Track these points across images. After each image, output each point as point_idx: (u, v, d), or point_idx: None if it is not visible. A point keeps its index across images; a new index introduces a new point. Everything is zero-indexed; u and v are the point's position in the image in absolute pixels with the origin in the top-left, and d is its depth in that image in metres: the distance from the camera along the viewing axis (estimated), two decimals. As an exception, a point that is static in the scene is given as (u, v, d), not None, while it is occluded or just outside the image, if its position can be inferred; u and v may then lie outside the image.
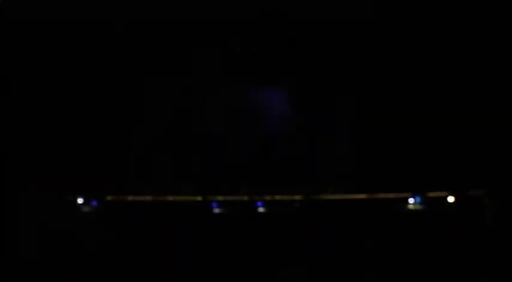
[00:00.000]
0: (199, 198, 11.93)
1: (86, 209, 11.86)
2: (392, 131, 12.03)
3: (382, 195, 11.62)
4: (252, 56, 12.26)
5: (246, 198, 11.84)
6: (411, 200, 11.62)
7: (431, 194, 11.56)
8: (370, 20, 11.75)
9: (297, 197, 11.85)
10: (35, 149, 11.65)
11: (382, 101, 11.99)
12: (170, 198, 11.90)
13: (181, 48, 12.21)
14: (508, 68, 11.55)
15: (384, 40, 11.84)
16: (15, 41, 11.53)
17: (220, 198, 11.87)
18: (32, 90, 11.77)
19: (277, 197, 11.92)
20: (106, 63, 12.14)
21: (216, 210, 11.78)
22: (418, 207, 11.61)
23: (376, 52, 11.89)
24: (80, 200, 11.83)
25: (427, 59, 11.84)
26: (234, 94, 12.41)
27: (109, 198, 11.89)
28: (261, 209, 11.79)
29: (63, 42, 11.79)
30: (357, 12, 11.74)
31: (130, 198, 11.91)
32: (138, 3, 11.70)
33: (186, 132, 12.52)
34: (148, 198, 11.93)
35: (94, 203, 11.88)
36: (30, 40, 11.62)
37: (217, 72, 12.53)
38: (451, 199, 11.50)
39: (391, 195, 11.63)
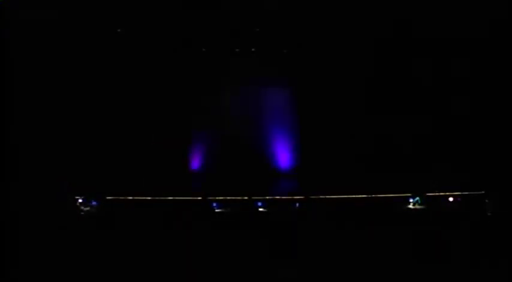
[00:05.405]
0: (199, 198, 11.97)
1: (86, 209, 11.89)
2: (393, 131, 12.05)
3: (382, 195, 11.64)
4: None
5: (246, 198, 11.88)
6: (411, 200, 11.65)
7: (431, 194, 11.59)
8: None
9: (297, 197, 11.86)
10: (36, 149, 11.67)
11: (383, 101, 12.03)
12: (170, 198, 11.93)
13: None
14: (508, 69, 11.59)
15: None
16: (18, 41, 11.59)
17: (220, 198, 11.90)
18: (32, 90, 11.80)
19: (277, 197, 11.95)
20: (107, 65, 12.19)
21: (216, 210, 11.80)
22: (418, 207, 11.62)
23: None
24: (80, 200, 11.86)
25: (429, 59, 11.91)
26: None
27: (109, 198, 11.93)
28: (261, 209, 11.81)
29: (65, 43, 11.86)
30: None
31: (130, 198, 11.94)
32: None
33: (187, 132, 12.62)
34: (148, 198, 11.97)
35: (94, 203, 11.92)
36: (30, 40, 11.68)
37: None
38: (451, 199, 11.52)
39: (391, 195, 11.64)
